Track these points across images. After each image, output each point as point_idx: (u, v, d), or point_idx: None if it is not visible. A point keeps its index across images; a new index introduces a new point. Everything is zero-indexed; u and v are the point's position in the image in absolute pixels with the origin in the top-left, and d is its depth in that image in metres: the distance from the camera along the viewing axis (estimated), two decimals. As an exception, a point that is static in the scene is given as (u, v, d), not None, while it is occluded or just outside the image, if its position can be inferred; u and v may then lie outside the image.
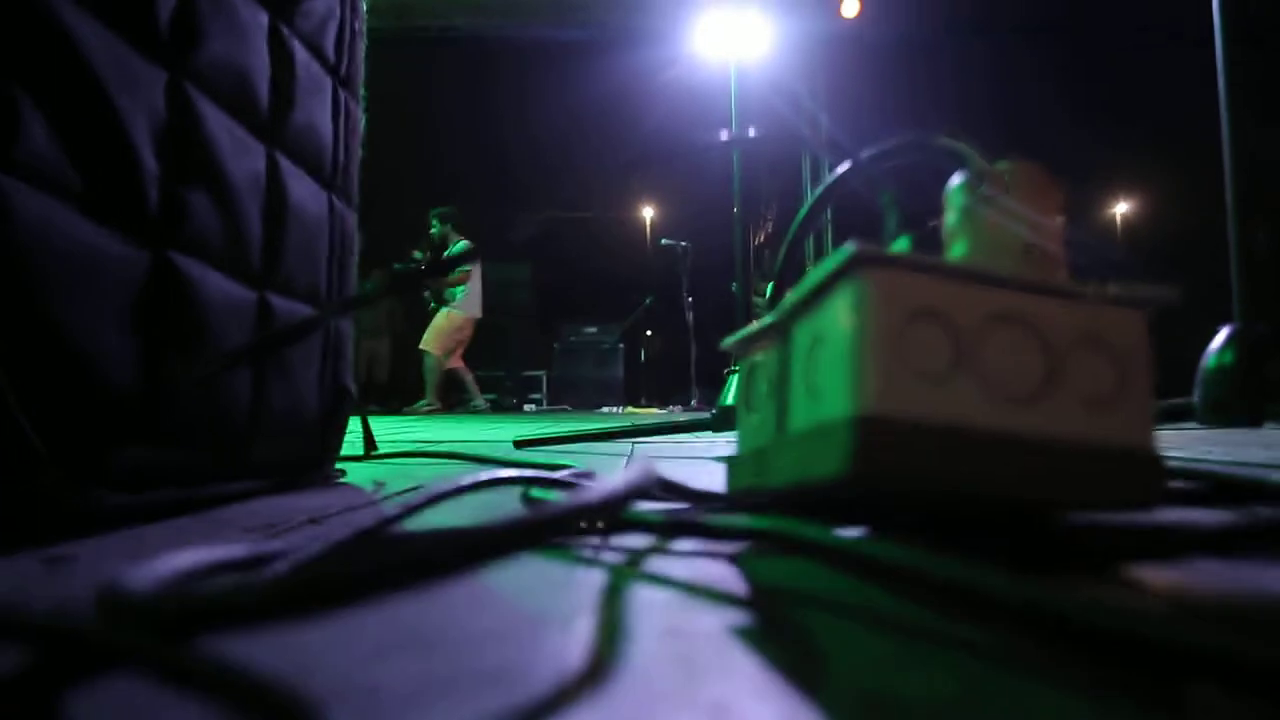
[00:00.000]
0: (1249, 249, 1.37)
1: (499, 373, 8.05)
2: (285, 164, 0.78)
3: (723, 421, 1.71)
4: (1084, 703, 0.21)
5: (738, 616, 0.30)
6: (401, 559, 0.22)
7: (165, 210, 0.59)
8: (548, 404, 8.68)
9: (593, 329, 9.43)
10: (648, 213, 11.55)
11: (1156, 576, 0.36)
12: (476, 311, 5.70)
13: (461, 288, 5.56)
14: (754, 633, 0.28)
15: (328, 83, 0.89)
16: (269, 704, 0.18)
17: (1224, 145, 1.44)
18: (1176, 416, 1.47)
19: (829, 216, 5.11)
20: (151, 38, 0.58)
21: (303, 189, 0.82)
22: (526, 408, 7.96)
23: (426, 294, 5.73)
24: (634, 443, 1.73)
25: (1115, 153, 10.50)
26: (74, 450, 0.50)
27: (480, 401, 5.97)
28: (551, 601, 0.32)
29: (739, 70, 3.20)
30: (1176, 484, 0.57)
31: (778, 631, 0.28)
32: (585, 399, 8.65)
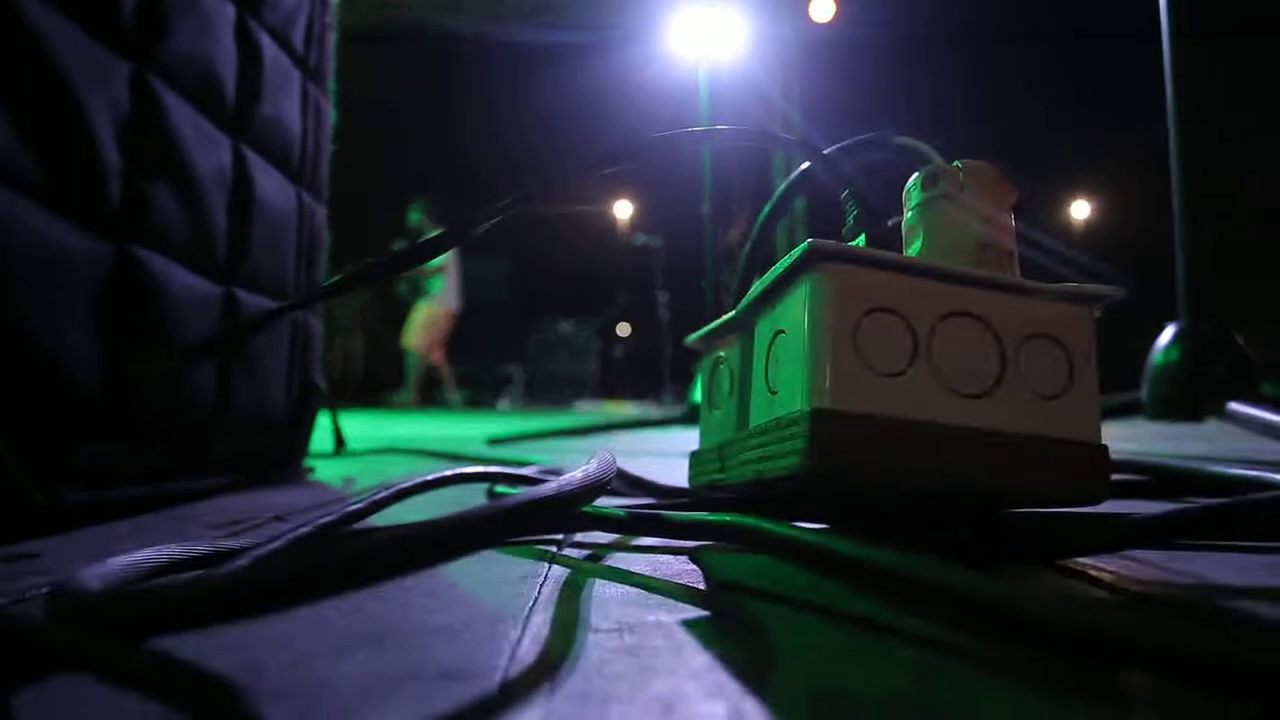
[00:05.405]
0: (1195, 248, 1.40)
1: (474, 368, 8.02)
2: (252, 157, 0.78)
3: (694, 417, 1.72)
4: (1036, 695, 0.22)
5: (694, 612, 0.31)
6: (353, 556, 0.22)
7: (128, 203, 0.58)
8: (523, 399, 8.66)
9: (568, 324, 9.43)
10: (623, 209, 11.53)
11: (1100, 567, 0.36)
12: (454, 304, 5.67)
13: (439, 281, 5.51)
14: (709, 628, 0.28)
15: (296, 76, 0.88)
16: (206, 702, 0.18)
17: (1170, 146, 1.46)
18: (1125, 412, 1.50)
19: (804, 214, 5.14)
20: (115, 29, 0.57)
21: (270, 183, 0.81)
22: (500, 404, 7.93)
23: (403, 288, 5.68)
24: (607, 438, 1.73)
25: (1076, 154, 10.67)
26: (36, 447, 0.49)
27: (455, 397, 5.95)
28: (509, 597, 0.33)
29: (712, 71, 3.21)
30: (1120, 476, 0.58)
31: (732, 627, 0.29)
32: (560, 394, 8.64)
